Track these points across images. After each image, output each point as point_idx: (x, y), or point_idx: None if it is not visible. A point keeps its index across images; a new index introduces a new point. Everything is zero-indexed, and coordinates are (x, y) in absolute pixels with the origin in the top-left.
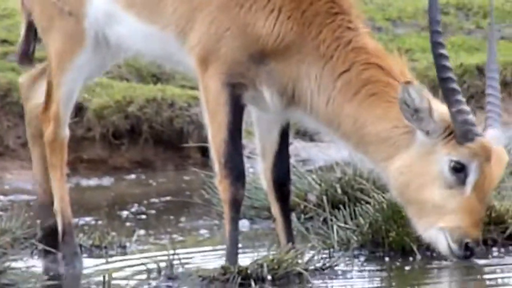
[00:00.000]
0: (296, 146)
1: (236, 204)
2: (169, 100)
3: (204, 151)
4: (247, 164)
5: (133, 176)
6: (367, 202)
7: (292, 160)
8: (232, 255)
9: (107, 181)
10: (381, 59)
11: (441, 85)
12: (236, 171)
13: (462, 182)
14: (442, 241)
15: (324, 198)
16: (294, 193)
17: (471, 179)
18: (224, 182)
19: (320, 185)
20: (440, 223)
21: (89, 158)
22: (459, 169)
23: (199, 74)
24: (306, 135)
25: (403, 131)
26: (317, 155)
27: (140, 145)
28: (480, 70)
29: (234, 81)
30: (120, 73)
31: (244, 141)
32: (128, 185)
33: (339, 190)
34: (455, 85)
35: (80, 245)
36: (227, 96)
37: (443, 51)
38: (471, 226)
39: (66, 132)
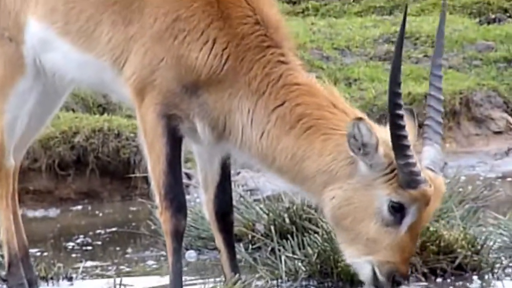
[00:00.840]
0: (244, 176)
1: (178, 235)
2: (115, 131)
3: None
4: (194, 194)
5: (79, 207)
6: (316, 232)
7: (239, 190)
8: (176, 287)
9: (53, 212)
10: (313, 93)
11: (393, 140)
12: (176, 202)
13: (399, 222)
14: (368, 272)
15: (272, 228)
16: (242, 223)
17: (407, 220)
18: (165, 214)
19: (267, 214)
20: (370, 256)
21: (35, 189)
22: (397, 210)
23: (136, 104)
24: None
25: (344, 163)
26: (264, 185)
27: (87, 176)
28: None
29: (169, 112)
30: (66, 104)
31: (192, 171)
32: (74, 216)
33: (287, 220)
34: (405, 142)
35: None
36: (163, 127)
37: (399, 112)
38: (401, 262)
39: (11, 162)
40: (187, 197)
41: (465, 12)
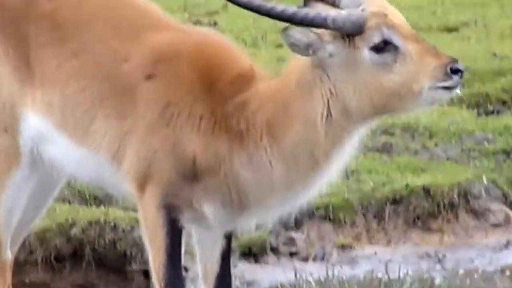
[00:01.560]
0: (241, 268)
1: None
2: (112, 223)
3: (148, 274)
4: (191, 286)
5: None
6: None
7: (237, 282)
8: None
9: None
10: (264, 94)
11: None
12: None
13: (394, 48)
14: (439, 95)
15: None
16: None
17: (395, 39)
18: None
19: None
20: (422, 86)
21: (31, 281)
22: (383, 46)
23: (136, 198)
24: (251, 256)
25: (315, 82)
26: (262, 277)
27: (83, 268)
28: (427, 191)
29: (170, 203)
30: (62, 195)
31: (189, 264)
32: None
33: None
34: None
35: None
36: (163, 220)
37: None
38: (436, 58)
39: (7, 255)
40: None
41: (463, 104)
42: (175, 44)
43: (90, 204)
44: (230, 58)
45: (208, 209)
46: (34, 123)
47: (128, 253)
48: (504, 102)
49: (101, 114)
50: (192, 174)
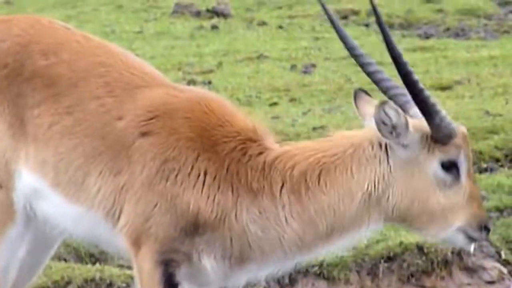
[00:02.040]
0: None
1: None
2: (107, 280)
3: None
4: None
5: None
6: None
7: None
8: None
9: None
10: (295, 152)
11: (415, 100)
12: None
13: (458, 176)
14: (463, 239)
15: None
16: None
17: (463, 170)
18: None
19: None
20: (455, 224)
21: None
22: (451, 166)
23: (132, 254)
24: None
25: (377, 165)
26: None
27: None
28: (420, 249)
29: (167, 259)
30: (58, 253)
31: None
32: None
33: None
34: (432, 98)
35: None
36: (160, 276)
37: (409, 68)
38: (480, 209)
39: None
40: None
41: None
42: (169, 100)
43: (86, 262)
44: (227, 113)
45: (208, 262)
46: (28, 180)
47: None
48: (497, 160)
49: (95, 170)
50: (194, 228)
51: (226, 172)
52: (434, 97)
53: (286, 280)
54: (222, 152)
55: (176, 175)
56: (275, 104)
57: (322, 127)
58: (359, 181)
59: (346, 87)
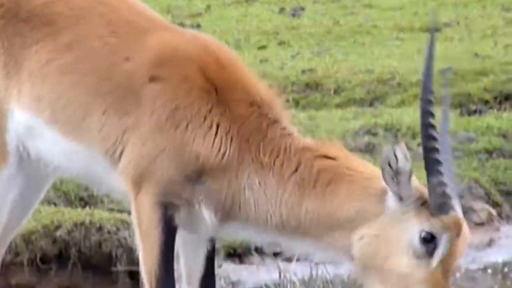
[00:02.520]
0: (226, 268)
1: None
2: (97, 224)
3: (133, 275)
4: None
5: None
6: None
7: (222, 282)
8: None
9: None
10: (323, 149)
11: (425, 154)
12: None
13: (430, 253)
14: None
15: None
16: None
17: (439, 251)
18: None
19: None
20: None
21: (17, 283)
22: (429, 240)
23: (131, 195)
24: (235, 257)
25: (373, 204)
26: (246, 278)
27: (69, 270)
28: None
29: (167, 201)
30: (48, 197)
31: (175, 264)
32: None
33: None
34: (439, 157)
35: None
36: (159, 216)
37: (432, 120)
38: None
39: None
40: None
41: None
42: (181, 47)
43: (76, 206)
44: (241, 72)
45: (206, 213)
46: (21, 118)
47: (114, 254)
48: (486, 102)
49: (98, 109)
50: (197, 176)
51: (237, 132)
52: (443, 161)
53: None
54: (236, 112)
55: (187, 124)
56: (263, 47)
57: (310, 70)
58: (351, 205)
59: (334, 30)
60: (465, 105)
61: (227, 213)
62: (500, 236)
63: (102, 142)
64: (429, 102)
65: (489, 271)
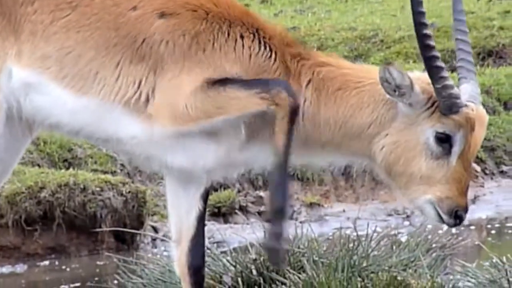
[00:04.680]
0: (211, 228)
1: (295, 115)
2: (81, 185)
3: (118, 236)
4: (161, 247)
5: (46, 262)
6: (283, 283)
7: (206, 242)
8: (285, 164)
9: (20, 268)
10: (327, 59)
11: (426, 64)
12: (284, 86)
13: (448, 152)
14: (430, 212)
15: (239, 279)
16: (209, 275)
17: (456, 149)
18: (279, 97)
19: (235, 266)
20: (428, 194)
21: (1, 245)
22: (444, 140)
23: (182, 129)
24: (220, 216)
25: (384, 110)
26: (231, 237)
27: (53, 231)
28: None
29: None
30: (31, 159)
31: (158, 224)
32: (41, 271)
33: (254, 272)
34: (439, 63)
35: None
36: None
37: (427, 31)
38: (459, 195)
39: None
40: (154, 250)
41: None
42: None
43: (59, 167)
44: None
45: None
46: (20, 76)
47: (98, 214)
48: None
49: (111, 62)
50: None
51: (263, 42)
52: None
53: (260, 182)
54: (255, 25)
55: (213, 44)
56: (246, 6)
57: (294, 28)
58: (363, 112)
59: None
60: (448, 62)
61: (250, 133)
62: (485, 193)
63: (120, 93)
64: (421, 13)
65: (474, 227)
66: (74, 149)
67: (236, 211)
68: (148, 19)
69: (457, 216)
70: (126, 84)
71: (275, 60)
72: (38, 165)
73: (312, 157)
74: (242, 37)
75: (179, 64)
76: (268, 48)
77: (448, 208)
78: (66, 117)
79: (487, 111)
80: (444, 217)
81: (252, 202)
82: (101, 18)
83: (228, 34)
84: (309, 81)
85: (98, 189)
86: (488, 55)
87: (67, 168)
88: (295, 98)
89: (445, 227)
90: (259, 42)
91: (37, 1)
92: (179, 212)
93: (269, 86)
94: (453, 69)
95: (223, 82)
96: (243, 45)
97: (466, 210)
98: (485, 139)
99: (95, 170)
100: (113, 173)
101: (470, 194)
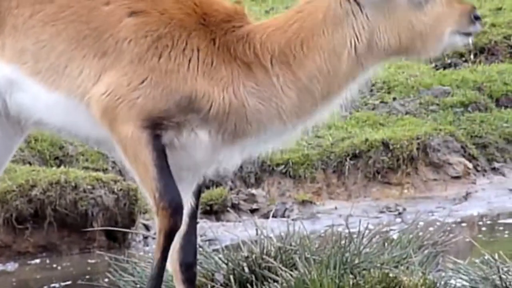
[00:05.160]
0: (203, 226)
1: (171, 235)
2: (72, 183)
3: (109, 234)
4: (152, 245)
5: (37, 260)
6: (275, 281)
7: (198, 240)
8: (157, 282)
9: (11, 266)
10: (273, 25)
11: None
12: (174, 202)
13: None
14: (459, 39)
15: (231, 277)
16: (201, 273)
17: None
18: (162, 213)
19: (227, 264)
20: (447, 29)
21: None
22: None
23: (107, 124)
24: (212, 214)
25: (346, 20)
26: (223, 234)
27: (44, 229)
28: (386, 145)
29: (153, 124)
30: (22, 157)
31: (150, 222)
32: (32, 269)
33: (246, 269)
34: None
35: None
36: (147, 136)
37: None
38: (461, 5)
39: None
40: (146, 248)
41: None
42: None
43: (51, 165)
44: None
45: (204, 133)
46: (5, 72)
47: (89, 212)
48: (461, 55)
49: (79, 54)
50: (188, 103)
51: (216, 47)
52: None
53: (252, 180)
54: (210, 26)
55: (170, 52)
56: (238, 2)
57: None
58: (339, 40)
59: None
60: (440, 59)
61: (234, 132)
62: (477, 189)
63: (81, 86)
64: None
65: (466, 224)
66: (65, 147)
67: (228, 208)
68: (118, 15)
69: (476, 18)
70: (87, 78)
71: (227, 70)
72: (29, 163)
73: (319, 114)
74: (198, 49)
75: (133, 65)
76: (221, 58)
77: (468, 20)
78: (45, 114)
79: (479, 108)
80: (471, 29)
81: (244, 200)
82: (76, 12)
83: (186, 44)
84: (271, 58)
85: (89, 187)
86: (480, 52)
87: (58, 166)
88: (176, 221)
89: (439, 223)
90: (212, 55)
91: None
92: None
93: (165, 194)
94: (444, 66)
95: (154, 147)
96: (198, 59)
97: (474, 9)
98: (477, 136)
99: (86, 168)
100: (105, 170)
101: (462, 191)
